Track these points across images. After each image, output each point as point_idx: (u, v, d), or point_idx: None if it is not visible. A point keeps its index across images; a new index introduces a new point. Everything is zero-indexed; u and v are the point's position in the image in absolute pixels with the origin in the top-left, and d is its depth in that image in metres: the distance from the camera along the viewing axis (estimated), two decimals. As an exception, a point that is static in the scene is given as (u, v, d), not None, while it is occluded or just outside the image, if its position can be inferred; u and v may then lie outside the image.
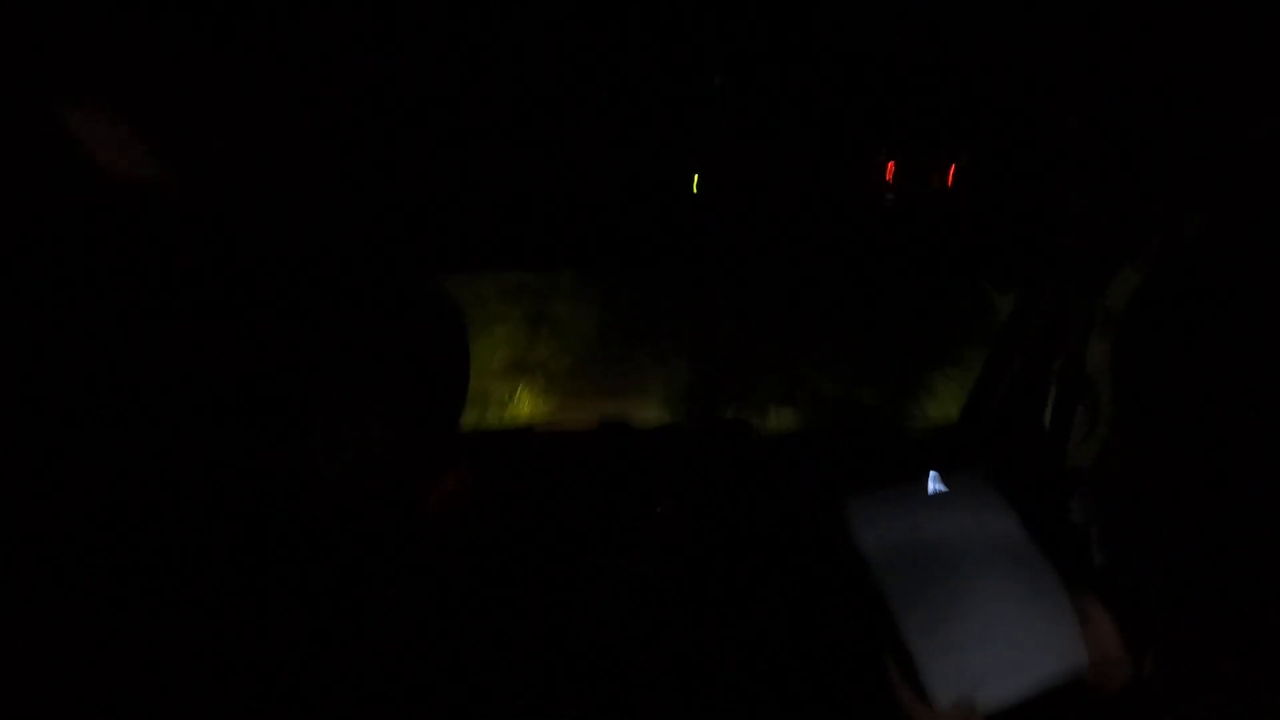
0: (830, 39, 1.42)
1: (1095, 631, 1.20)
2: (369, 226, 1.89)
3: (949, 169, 1.63)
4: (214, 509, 1.05)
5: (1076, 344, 1.89)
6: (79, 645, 0.99)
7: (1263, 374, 0.99)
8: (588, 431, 2.43)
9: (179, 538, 1.05)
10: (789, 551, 2.22)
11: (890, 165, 1.65)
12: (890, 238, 2.06)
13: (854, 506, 1.40)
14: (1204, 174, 1.36)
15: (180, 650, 0.98)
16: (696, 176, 1.75)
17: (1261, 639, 1.01)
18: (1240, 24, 1.22)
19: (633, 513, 2.24)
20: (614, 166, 1.74)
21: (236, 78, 1.45)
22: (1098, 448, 1.37)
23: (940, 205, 1.69)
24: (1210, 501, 0.95)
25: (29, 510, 1.13)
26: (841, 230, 2.05)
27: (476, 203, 1.95)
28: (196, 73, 1.41)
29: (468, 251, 2.26)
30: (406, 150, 1.73)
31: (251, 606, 1.00)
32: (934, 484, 1.48)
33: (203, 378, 1.19)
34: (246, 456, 1.05)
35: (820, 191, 1.82)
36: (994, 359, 2.39)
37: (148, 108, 1.39)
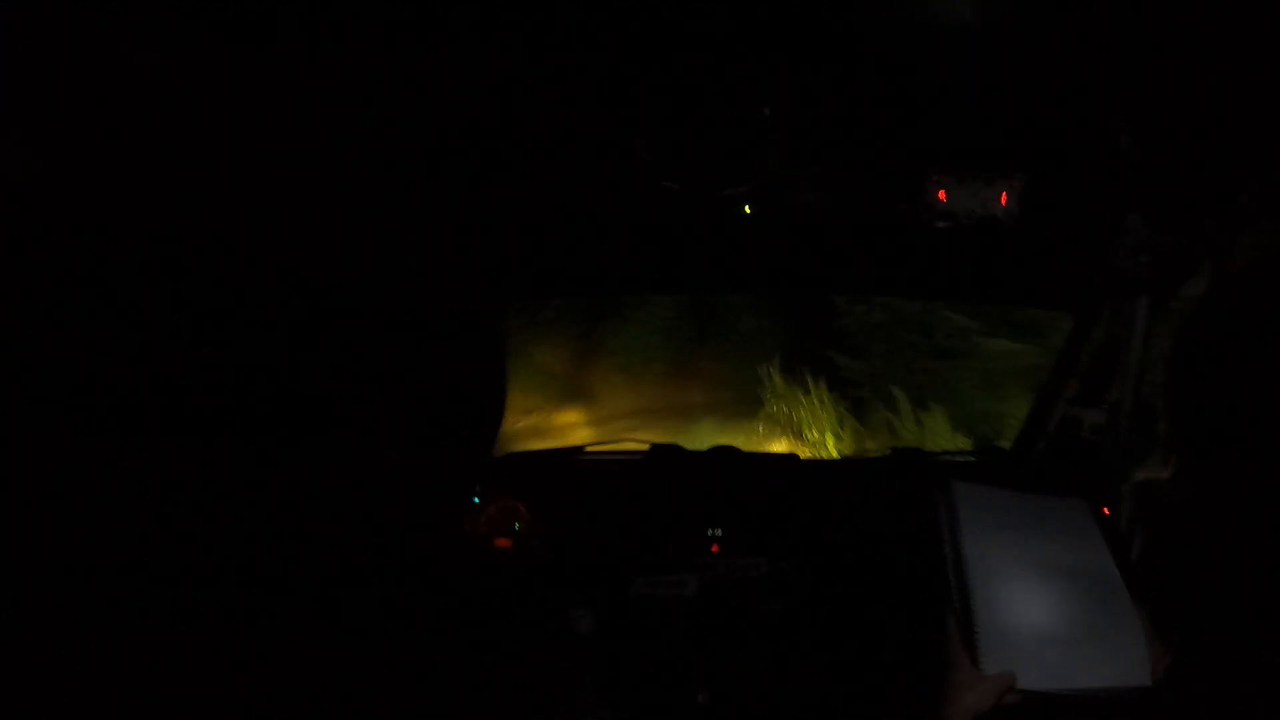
0: (880, 64, 1.43)
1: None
2: (414, 251, 1.93)
3: (1001, 193, 1.62)
4: (250, 524, 1.07)
5: (1134, 368, 1.87)
6: (104, 650, 1.01)
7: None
8: (639, 454, 2.44)
9: (216, 550, 1.07)
10: (837, 576, 2.20)
11: (941, 191, 1.65)
12: (943, 263, 2.06)
13: (960, 486, 1.46)
14: (1257, 193, 1.35)
15: (213, 665, 0.99)
16: (747, 203, 1.76)
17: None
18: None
19: (683, 536, 2.24)
20: (665, 193, 1.75)
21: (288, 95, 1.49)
22: (1155, 473, 1.37)
23: (993, 229, 1.68)
24: (1270, 527, 0.93)
25: (55, 517, 1.16)
26: (894, 256, 2.04)
27: (528, 229, 1.98)
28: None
29: (520, 278, 2.29)
30: (457, 178, 1.76)
31: (287, 620, 1.02)
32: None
33: (241, 393, 1.22)
34: (283, 471, 1.06)
35: (873, 217, 1.82)
36: (1051, 384, 2.36)
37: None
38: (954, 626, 1.27)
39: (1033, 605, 1.31)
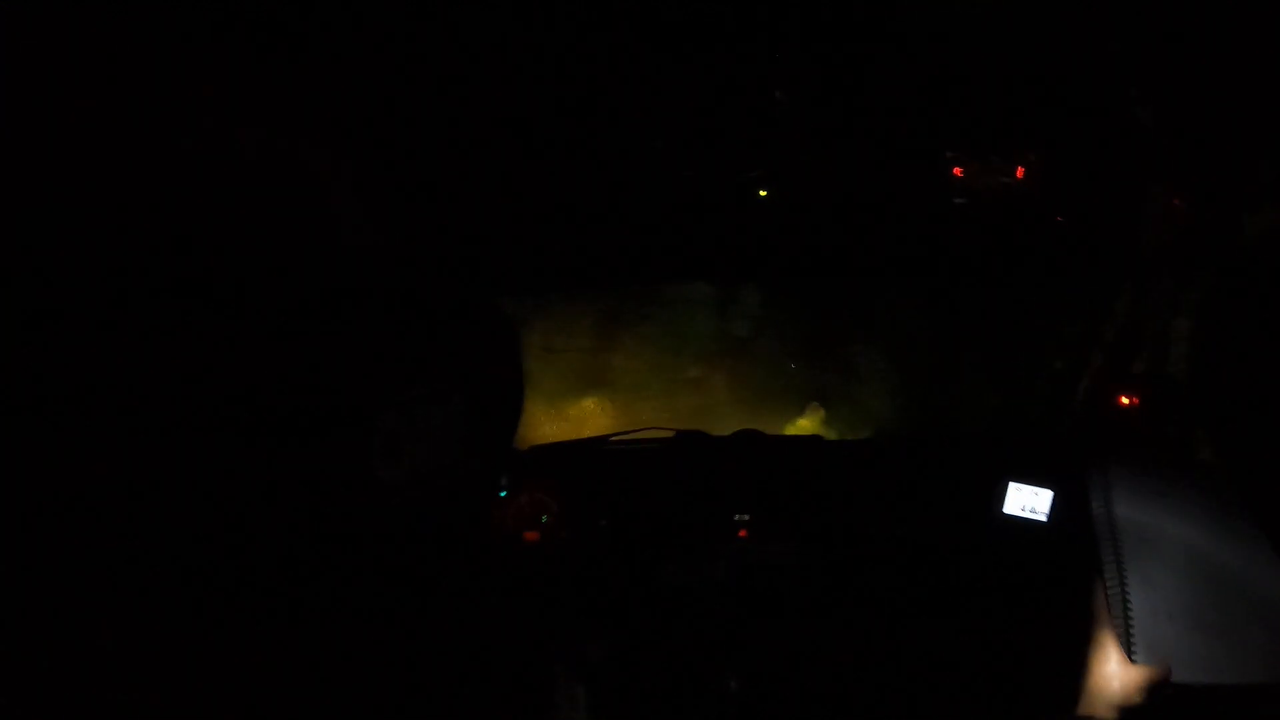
0: (895, 41, 1.42)
1: None
2: (433, 245, 1.94)
3: (1018, 168, 1.61)
4: (274, 515, 1.08)
5: (1160, 340, 1.85)
6: (133, 645, 1.03)
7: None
8: (664, 441, 2.44)
9: (240, 542, 1.09)
10: (866, 559, 2.20)
11: (958, 168, 1.64)
12: (961, 239, 2.04)
13: (1115, 472, 1.43)
14: (1277, 163, 1.33)
15: (236, 662, 1.01)
16: (762, 188, 1.76)
17: None
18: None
19: (711, 522, 2.24)
20: (681, 179, 1.75)
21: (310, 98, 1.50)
22: (1179, 446, 1.35)
23: (1011, 205, 1.67)
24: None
25: (86, 515, 1.18)
26: (911, 233, 2.03)
27: (548, 220, 1.98)
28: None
29: (538, 268, 2.30)
30: (473, 170, 1.76)
31: (314, 608, 1.03)
32: (1044, 499, 1.53)
33: (265, 385, 1.23)
34: (308, 464, 1.07)
35: (890, 195, 1.81)
36: (1076, 360, 2.34)
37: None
38: (1103, 608, 1.23)
39: (1186, 591, 1.26)
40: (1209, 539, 1.33)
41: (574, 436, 2.54)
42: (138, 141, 1.37)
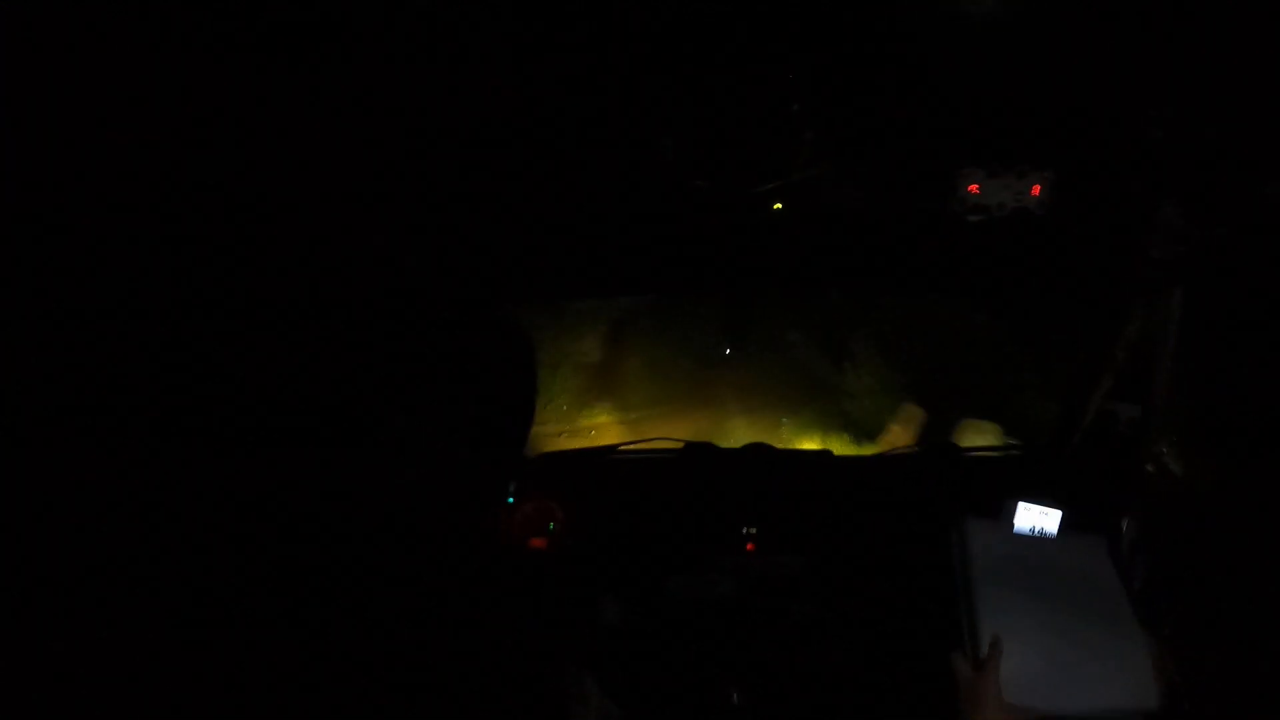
0: (910, 58, 1.42)
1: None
2: (444, 251, 1.94)
3: (1034, 185, 1.61)
4: (281, 517, 1.09)
5: (1169, 361, 1.84)
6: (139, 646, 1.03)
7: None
8: (672, 453, 2.44)
9: (246, 544, 1.09)
10: (873, 575, 2.19)
11: (974, 184, 1.64)
12: (975, 256, 2.04)
13: (972, 518, 1.56)
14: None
15: (241, 668, 1.01)
16: (777, 200, 1.76)
17: None
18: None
19: (718, 534, 2.24)
20: (695, 191, 1.76)
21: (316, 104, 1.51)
22: (1188, 466, 1.36)
23: (1026, 222, 1.67)
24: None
25: (99, 516, 1.18)
26: (926, 249, 2.03)
27: (557, 229, 1.99)
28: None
29: (552, 277, 2.30)
30: (486, 178, 1.77)
31: (317, 611, 1.03)
32: (1052, 519, 1.59)
33: (274, 388, 1.24)
34: (317, 467, 1.08)
35: (905, 211, 1.81)
36: (1085, 377, 2.33)
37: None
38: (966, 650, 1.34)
39: (1037, 628, 1.34)
40: (1066, 583, 1.44)
41: (583, 446, 2.54)
42: (146, 145, 1.38)
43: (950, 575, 1.60)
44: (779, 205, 1.77)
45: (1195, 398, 1.06)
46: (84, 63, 1.27)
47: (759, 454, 2.41)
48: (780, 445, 2.47)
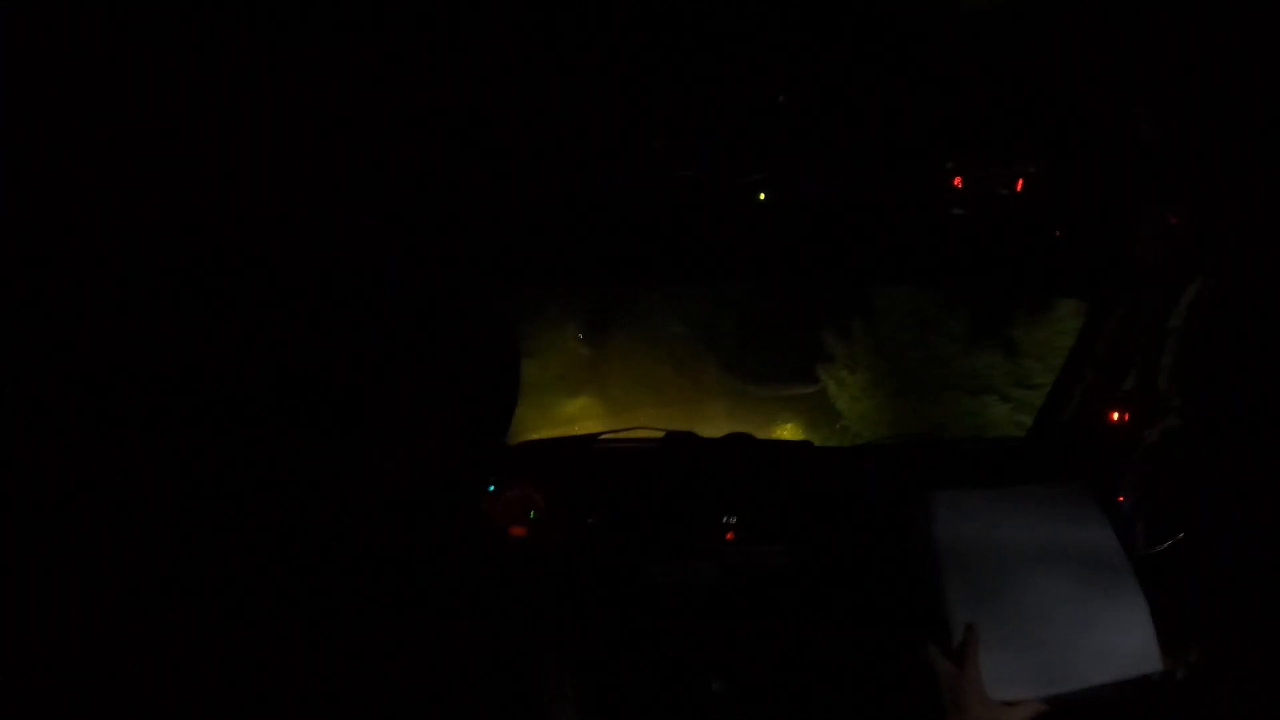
0: (896, 50, 1.42)
1: None
2: (426, 240, 1.93)
3: (1018, 179, 1.62)
4: (261, 516, 1.08)
5: (1151, 354, 1.86)
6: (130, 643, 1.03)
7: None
8: (654, 442, 2.44)
9: (228, 533, 1.09)
10: (853, 564, 2.20)
11: (958, 177, 1.64)
12: (959, 250, 2.05)
13: (938, 500, 1.46)
14: (1274, 181, 1.34)
15: (222, 659, 1.00)
16: (762, 191, 1.76)
17: None
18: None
19: (699, 523, 2.24)
20: (679, 181, 1.75)
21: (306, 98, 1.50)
22: (1170, 459, 1.36)
23: (1009, 216, 1.67)
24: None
25: (85, 510, 1.18)
26: (911, 243, 2.04)
27: (542, 219, 1.98)
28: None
29: (534, 266, 2.30)
30: (473, 169, 1.76)
31: (296, 612, 1.02)
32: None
33: (255, 377, 1.23)
34: (300, 454, 1.08)
35: (889, 204, 1.81)
36: (1068, 370, 2.34)
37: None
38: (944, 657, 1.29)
39: (1023, 615, 1.30)
40: (1047, 555, 1.36)
41: (564, 434, 2.54)
42: (137, 139, 1.37)
43: (927, 565, 1.60)
44: (764, 196, 1.77)
45: (1185, 389, 1.07)
46: (83, 63, 1.26)
47: (740, 443, 2.41)
48: (761, 435, 2.47)
